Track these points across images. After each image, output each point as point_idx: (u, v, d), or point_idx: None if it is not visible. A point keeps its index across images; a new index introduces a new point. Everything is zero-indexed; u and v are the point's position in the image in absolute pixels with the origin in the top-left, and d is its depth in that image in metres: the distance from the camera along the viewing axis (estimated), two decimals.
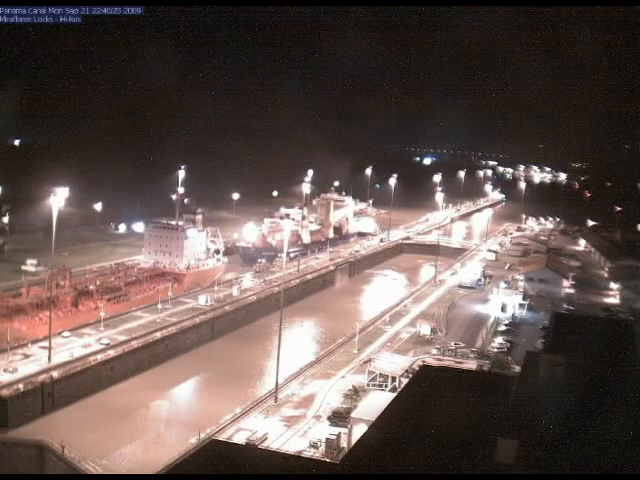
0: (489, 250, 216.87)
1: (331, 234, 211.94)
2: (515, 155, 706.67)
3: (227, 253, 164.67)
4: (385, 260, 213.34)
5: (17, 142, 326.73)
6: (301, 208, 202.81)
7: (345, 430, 74.05)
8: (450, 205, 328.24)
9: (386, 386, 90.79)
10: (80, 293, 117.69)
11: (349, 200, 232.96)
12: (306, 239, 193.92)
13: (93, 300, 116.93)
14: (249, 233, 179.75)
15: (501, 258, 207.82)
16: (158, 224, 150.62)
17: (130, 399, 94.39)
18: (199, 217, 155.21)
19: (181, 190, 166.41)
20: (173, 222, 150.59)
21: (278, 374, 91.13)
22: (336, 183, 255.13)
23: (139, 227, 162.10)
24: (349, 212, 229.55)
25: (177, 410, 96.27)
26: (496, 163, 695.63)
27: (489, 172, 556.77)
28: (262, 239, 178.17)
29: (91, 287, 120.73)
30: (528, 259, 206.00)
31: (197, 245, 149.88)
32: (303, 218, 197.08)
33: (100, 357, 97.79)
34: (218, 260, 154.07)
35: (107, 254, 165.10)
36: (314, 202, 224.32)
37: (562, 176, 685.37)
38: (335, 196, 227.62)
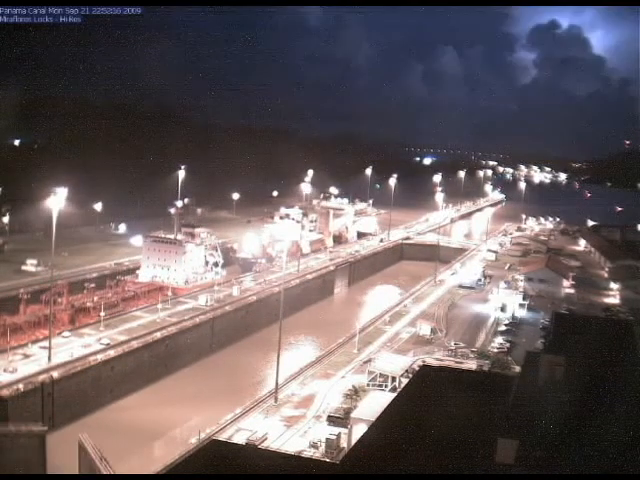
0: (489, 250, 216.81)
1: (330, 243, 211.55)
2: (515, 155, 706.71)
3: (226, 263, 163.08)
4: (385, 268, 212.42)
5: (17, 142, 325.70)
6: (303, 214, 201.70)
7: (345, 430, 74.07)
8: (450, 205, 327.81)
9: (386, 386, 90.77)
10: (77, 310, 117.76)
11: (349, 208, 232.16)
12: (306, 249, 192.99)
13: (90, 317, 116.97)
14: (249, 243, 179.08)
15: (501, 258, 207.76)
16: (156, 238, 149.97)
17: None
18: (197, 230, 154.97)
19: (180, 203, 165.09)
20: (171, 236, 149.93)
21: (278, 374, 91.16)
22: (335, 186, 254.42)
23: (137, 240, 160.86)
24: (349, 220, 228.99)
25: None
26: (496, 163, 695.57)
27: (489, 172, 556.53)
28: (262, 250, 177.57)
29: (88, 304, 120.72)
30: (528, 259, 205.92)
31: (195, 259, 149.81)
32: (302, 228, 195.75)
33: (100, 357, 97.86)
34: (217, 273, 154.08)
35: (107, 254, 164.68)
36: (314, 202, 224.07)
37: (562, 176, 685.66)
38: (335, 203, 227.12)
